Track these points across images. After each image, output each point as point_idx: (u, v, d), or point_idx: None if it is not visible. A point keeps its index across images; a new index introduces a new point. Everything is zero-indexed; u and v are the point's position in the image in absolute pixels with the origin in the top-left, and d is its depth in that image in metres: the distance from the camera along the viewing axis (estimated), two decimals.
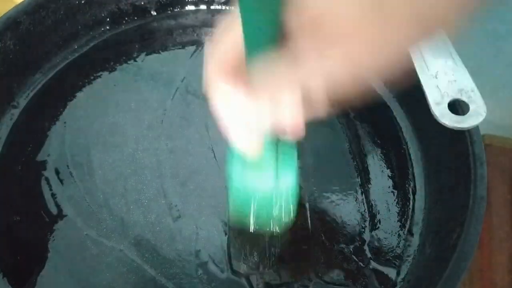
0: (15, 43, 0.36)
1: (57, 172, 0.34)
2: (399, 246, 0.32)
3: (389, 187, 0.35)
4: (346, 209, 0.34)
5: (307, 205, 0.33)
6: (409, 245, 0.32)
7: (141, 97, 0.38)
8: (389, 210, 0.34)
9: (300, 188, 0.34)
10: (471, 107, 0.29)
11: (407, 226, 0.33)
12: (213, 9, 0.44)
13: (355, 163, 0.36)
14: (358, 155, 0.36)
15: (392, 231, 0.33)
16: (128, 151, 0.36)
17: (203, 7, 0.44)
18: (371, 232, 0.33)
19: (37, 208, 0.33)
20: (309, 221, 0.33)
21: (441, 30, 0.32)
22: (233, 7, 0.43)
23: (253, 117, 0.22)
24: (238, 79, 0.22)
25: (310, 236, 0.32)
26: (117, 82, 0.39)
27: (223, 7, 0.44)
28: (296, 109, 0.20)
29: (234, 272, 0.31)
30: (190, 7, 0.44)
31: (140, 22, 0.43)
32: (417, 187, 0.35)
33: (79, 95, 0.38)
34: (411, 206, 0.34)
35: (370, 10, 0.18)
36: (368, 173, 0.35)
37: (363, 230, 0.33)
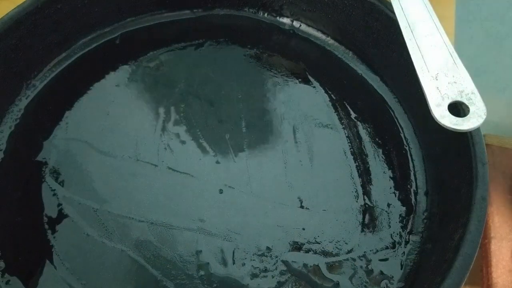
0: (16, 43, 0.36)
1: (58, 173, 0.34)
2: (400, 248, 0.33)
3: (390, 188, 0.35)
4: (347, 210, 0.34)
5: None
6: (411, 247, 0.33)
7: (143, 97, 0.38)
8: (391, 211, 0.34)
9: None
10: (471, 109, 0.29)
11: (409, 227, 0.33)
12: (214, 14, 0.44)
13: (356, 164, 0.36)
14: (359, 156, 0.36)
15: (393, 232, 0.33)
16: (129, 151, 0.36)
17: (201, 11, 0.44)
18: (373, 233, 0.33)
19: (39, 209, 0.33)
20: None
21: (442, 31, 0.32)
22: (232, 10, 0.44)
23: None
24: None
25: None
26: (119, 83, 0.39)
27: (219, 11, 0.44)
28: None
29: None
30: (187, 10, 0.44)
31: (141, 22, 0.43)
32: (419, 188, 0.35)
33: (81, 95, 0.38)
34: (413, 207, 0.34)
35: None
36: (370, 174, 0.35)
37: (364, 231, 0.33)
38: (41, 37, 0.38)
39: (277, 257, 0.32)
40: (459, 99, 0.29)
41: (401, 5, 0.34)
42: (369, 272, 0.32)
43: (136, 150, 0.36)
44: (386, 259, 0.32)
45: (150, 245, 0.32)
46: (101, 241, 0.32)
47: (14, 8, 0.35)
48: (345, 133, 0.37)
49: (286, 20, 0.43)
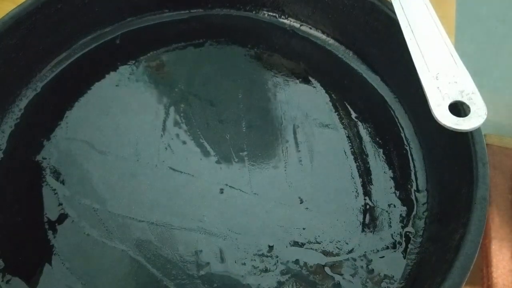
0: (16, 43, 0.36)
1: (58, 173, 0.34)
2: (401, 247, 0.33)
3: (391, 188, 0.35)
4: (347, 210, 0.34)
5: None
6: (411, 247, 0.33)
7: (143, 97, 0.38)
8: (392, 211, 0.34)
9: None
10: (472, 109, 0.29)
11: (409, 227, 0.33)
12: (214, 14, 0.44)
13: (356, 163, 0.36)
14: (360, 156, 0.36)
15: (394, 232, 0.33)
16: (129, 151, 0.36)
17: (201, 11, 0.44)
18: (373, 233, 0.33)
19: (39, 208, 0.33)
20: None
21: (443, 30, 0.33)
22: (233, 10, 0.44)
23: None
24: None
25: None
26: (119, 83, 0.39)
27: (219, 11, 0.44)
28: None
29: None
30: (187, 10, 0.44)
31: (141, 22, 0.43)
32: (419, 187, 0.35)
33: (81, 95, 0.38)
34: (413, 207, 0.34)
35: None
36: (370, 174, 0.35)
37: (365, 231, 0.33)
38: (41, 37, 0.38)
39: (277, 257, 0.32)
40: (459, 99, 0.29)
41: (401, 5, 0.34)
42: (369, 272, 0.32)
43: (136, 150, 0.36)
44: (386, 259, 0.32)
45: (150, 245, 0.32)
46: (101, 241, 0.32)
47: (15, 8, 0.35)
48: (346, 133, 0.37)
49: (286, 20, 0.43)
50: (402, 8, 0.34)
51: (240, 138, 0.37)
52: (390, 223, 0.33)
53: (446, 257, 0.28)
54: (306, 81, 0.40)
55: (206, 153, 0.36)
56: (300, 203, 0.34)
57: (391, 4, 0.36)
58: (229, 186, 0.34)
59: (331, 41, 0.42)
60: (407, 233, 0.33)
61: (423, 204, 0.34)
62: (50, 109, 0.38)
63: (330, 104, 0.39)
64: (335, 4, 0.40)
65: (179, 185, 0.34)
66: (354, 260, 0.32)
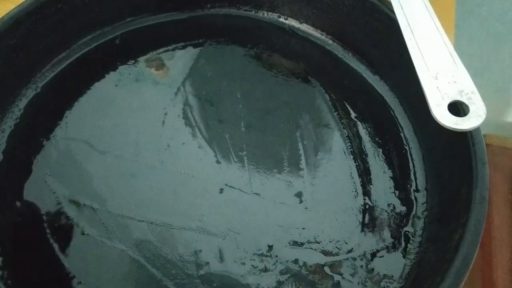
0: (16, 43, 0.36)
1: (58, 173, 0.34)
2: (400, 247, 0.33)
3: (390, 187, 0.35)
4: (347, 210, 0.34)
5: None
6: (411, 246, 0.33)
7: (143, 97, 0.38)
8: (391, 211, 0.34)
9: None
10: (471, 108, 0.29)
11: (409, 227, 0.33)
12: (214, 14, 0.44)
13: (356, 163, 0.36)
14: (359, 156, 0.36)
15: (393, 232, 0.33)
16: (129, 151, 0.36)
17: (201, 11, 0.44)
18: (373, 233, 0.33)
19: (39, 208, 0.33)
20: None
21: (443, 30, 0.33)
22: (232, 10, 0.44)
23: None
24: None
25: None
26: (119, 83, 0.39)
27: (219, 11, 0.44)
28: None
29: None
30: (187, 10, 0.44)
31: (141, 22, 0.43)
32: (419, 187, 0.35)
33: (81, 95, 0.38)
34: (412, 207, 0.34)
35: None
36: (370, 174, 0.35)
37: (364, 231, 0.33)
38: (41, 37, 0.38)
39: (277, 256, 0.32)
40: (459, 98, 0.30)
41: (401, 5, 0.34)
42: (369, 271, 0.32)
43: (136, 150, 0.36)
44: (386, 259, 0.32)
45: (150, 245, 0.32)
46: (101, 240, 0.32)
47: (14, 8, 0.35)
48: (345, 133, 0.37)
49: (286, 20, 0.43)
50: (402, 8, 0.34)
51: (239, 138, 0.37)
52: (390, 223, 0.33)
53: (445, 257, 0.28)
54: (306, 81, 0.40)
55: (205, 153, 0.36)
56: (300, 203, 0.34)
57: (391, 4, 0.36)
58: (229, 186, 0.34)
59: (331, 41, 0.42)
60: (407, 233, 0.33)
61: (423, 204, 0.34)
62: (50, 109, 0.38)
63: (330, 104, 0.39)
64: (335, 4, 0.40)
65: (179, 185, 0.34)
66: (354, 259, 0.32)
